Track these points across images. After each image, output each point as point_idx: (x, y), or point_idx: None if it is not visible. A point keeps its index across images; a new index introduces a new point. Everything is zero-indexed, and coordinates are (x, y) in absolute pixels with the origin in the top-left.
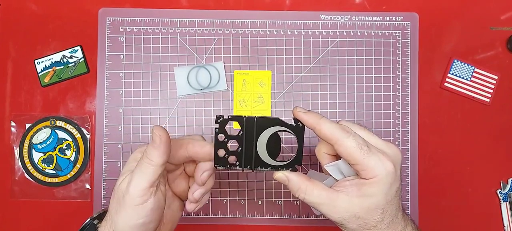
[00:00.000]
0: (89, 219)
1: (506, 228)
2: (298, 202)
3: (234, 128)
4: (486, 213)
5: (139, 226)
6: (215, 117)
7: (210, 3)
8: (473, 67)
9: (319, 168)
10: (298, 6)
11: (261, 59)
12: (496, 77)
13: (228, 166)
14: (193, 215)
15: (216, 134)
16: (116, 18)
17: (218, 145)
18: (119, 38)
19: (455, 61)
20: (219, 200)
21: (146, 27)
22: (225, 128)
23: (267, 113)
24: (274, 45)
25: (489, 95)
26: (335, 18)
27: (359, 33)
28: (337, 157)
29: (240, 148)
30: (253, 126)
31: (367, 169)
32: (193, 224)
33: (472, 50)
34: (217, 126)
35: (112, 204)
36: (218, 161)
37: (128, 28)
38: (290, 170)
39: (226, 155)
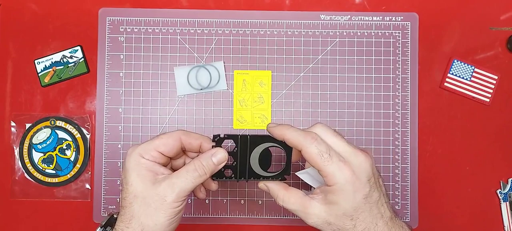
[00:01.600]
0: (99, 228)
1: (506, 228)
2: None
3: (234, 127)
4: (486, 213)
5: (169, 225)
6: (212, 136)
7: (210, 3)
8: (473, 67)
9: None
10: (298, 6)
11: (261, 59)
12: (496, 77)
13: (225, 178)
14: (193, 215)
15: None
16: (116, 18)
17: None
18: (119, 38)
19: (455, 61)
20: (219, 200)
21: (146, 27)
22: (221, 145)
23: (267, 113)
24: (274, 45)
25: (489, 96)
26: (335, 18)
27: (359, 33)
28: None
29: (235, 162)
30: (246, 143)
31: (328, 176)
32: (193, 224)
33: (472, 50)
34: (214, 144)
35: (139, 208)
36: (216, 174)
37: (128, 28)
38: (280, 180)
39: (223, 169)
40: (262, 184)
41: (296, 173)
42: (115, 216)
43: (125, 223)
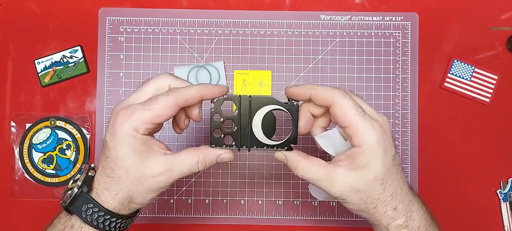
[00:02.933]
0: (76, 188)
1: (506, 228)
2: (298, 202)
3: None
4: (486, 213)
5: (152, 199)
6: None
7: (210, 3)
8: (473, 67)
9: (310, 150)
10: (298, 6)
11: (261, 59)
12: (496, 77)
13: (224, 145)
14: (193, 215)
15: (212, 114)
16: (116, 18)
17: (214, 125)
18: (119, 38)
19: (455, 61)
20: (219, 200)
21: (146, 27)
22: (221, 107)
23: None
24: (274, 45)
25: (489, 96)
26: (335, 18)
27: (359, 33)
28: (322, 122)
29: (236, 128)
30: (248, 105)
31: (358, 134)
32: (193, 224)
33: (472, 50)
34: (213, 105)
35: (130, 184)
36: (215, 141)
37: (128, 28)
38: (286, 149)
39: (222, 135)
40: (279, 153)
41: (314, 137)
42: (90, 174)
43: (111, 192)
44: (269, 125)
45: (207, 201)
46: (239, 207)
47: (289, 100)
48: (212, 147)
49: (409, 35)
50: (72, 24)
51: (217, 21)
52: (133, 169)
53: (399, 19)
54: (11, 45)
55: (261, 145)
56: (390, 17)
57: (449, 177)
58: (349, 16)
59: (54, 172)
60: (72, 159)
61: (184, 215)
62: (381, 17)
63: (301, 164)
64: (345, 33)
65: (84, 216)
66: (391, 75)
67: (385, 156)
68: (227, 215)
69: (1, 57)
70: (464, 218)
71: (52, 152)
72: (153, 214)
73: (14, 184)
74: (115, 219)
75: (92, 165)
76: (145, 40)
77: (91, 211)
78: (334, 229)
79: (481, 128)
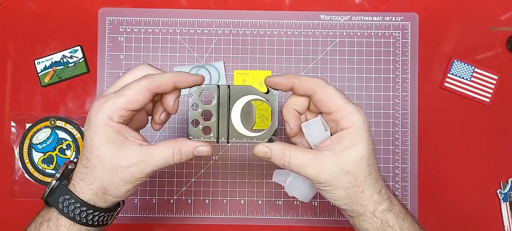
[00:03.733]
0: (54, 180)
1: (506, 228)
2: (298, 202)
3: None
4: (486, 213)
5: (128, 192)
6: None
7: (210, 3)
8: (473, 67)
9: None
10: (298, 6)
11: (261, 59)
12: (496, 77)
13: (202, 137)
14: (193, 215)
15: (190, 105)
16: (116, 18)
17: (192, 116)
18: (119, 38)
19: (455, 61)
20: (219, 200)
21: (146, 27)
22: (199, 98)
23: (267, 113)
24: (274, 45)
25: (489, 96)
26: (335, 18)
27: (359, 33)
28: (305, 117)
29: (214, 118)
30: (227, 95)
31: (346, 116)
32: (193, 224)
33: (472, 50)
34: (191, 96)
35: (104, 174)
36: (192, 133)
37: (128, 28)
38: (266, 141)
39: (200, 126)
40: (262, 147)
41: (302, 124)
42: (70, 167)
43: (86, 182)
44: (247, 116)
45: (207, 201)
46: (239, 207)
47: (268, 90)
48: (190, 139)
49: (409, 35)
50: (72, 24)
51: (217, 21)
52: (107, 158)
53: (399, 19)
54: (11, 45)
55: (240, 136)
56: (390, 17)
57: (449, 177)
58: (349, 16)
59: (54, 172)
60: (72, 159)
61: (184, 215)
62: (381, 17)
63: (287, 151)
64: (345, 33)
65: (61, 208)
66: (391, 76)
67: (369, 137)
68: (227, 215)
69: (1, 57)
70: (464, 218)
71: (52, 152)
72: (153, 214)
73: (14, 184)
74: (91, 211)
75: (74, 159)
76: (145, 40)
77: (67, 202)
78: (334, 229)
79: (481, 128)
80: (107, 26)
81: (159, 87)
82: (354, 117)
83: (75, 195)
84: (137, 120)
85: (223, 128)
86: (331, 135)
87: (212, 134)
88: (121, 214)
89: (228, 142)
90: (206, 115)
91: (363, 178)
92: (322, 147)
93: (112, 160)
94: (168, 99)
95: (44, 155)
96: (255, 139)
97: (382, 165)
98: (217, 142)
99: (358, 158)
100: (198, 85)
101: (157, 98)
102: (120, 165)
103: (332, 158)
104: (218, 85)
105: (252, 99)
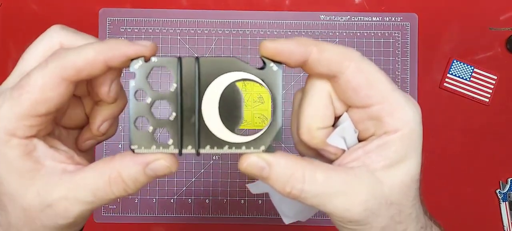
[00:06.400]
0: None
1: (505, 228)
2: None
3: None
4: (485, 213)
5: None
6: (130, 61)
7: (210, 3)
8: (472, 68)
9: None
10: (298, 6)
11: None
12: (495, 77)
13: (154, 147)
14: (193, 215)
15: (132, 91)
16: (116, 18)
17: (136, 112)
18: (119, 38)
19: (455, 61)
20: (219, 200)
21: (146, 27)
22: (148, 79)
23: (267, 113)
24: None
25: (489, 96)
26: (334, 18)
27: (358, 34)
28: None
29: (174, 113)
30: (195, 73)
31: (395, 112)
32: (194, 224)
33: (472, 50)
34: (134, 77)
35: (18, 220)
36: (137, 140)
37: (128, 28)
38: (264, 150)
39: (150, 128)
40: (255, 159)
41: (328, 140)
42: None
43: (3, 226)
44: (231, 108)
45: (207, 201)
46: (239, 207)
47: (264, 64)
48: (134, 152)
49: (409, 36)
50: (72, 24)
51: (217, 21)
52: (17, 195)
53: (399, 20)
54: (11, 45)
55: (218, 143)
56: (390, 18)
57: (449, 177)
58: (348, 17)
59: None
60: None
61: (184, 215)
62: (380, 18)
63: (300, 172)
64: (344, 34)
65: None
66: (391, 76)
67: (420, 145)
68: (227, 215)
69: (1, 57)
70: (464, 218)
71: None
72: (153, 214)
73: None
74: None
75: None
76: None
77: None
78: (334, 229)
79: (480, 128)
80: (107, 26)
81: (80, 72)
82: (408, 113)
83: None
84: (73, 114)
85: (189, 128)
86: (359, 140)
87: (171, 141)
88: (121, 214)
89: (198, 154)
90: (161, 108)
91: (408, 210)
92: (349, 159)
93: (22, 199)
94: (100, 88)
95: None
96: (243, 147)
97: None
98: (180, 153)
99: (408, 180)
100: (146, 59)
101: (83, 88)
102: (33, 207)
103: (368, 180)
104: (179, 57)
105: (238, 80)
